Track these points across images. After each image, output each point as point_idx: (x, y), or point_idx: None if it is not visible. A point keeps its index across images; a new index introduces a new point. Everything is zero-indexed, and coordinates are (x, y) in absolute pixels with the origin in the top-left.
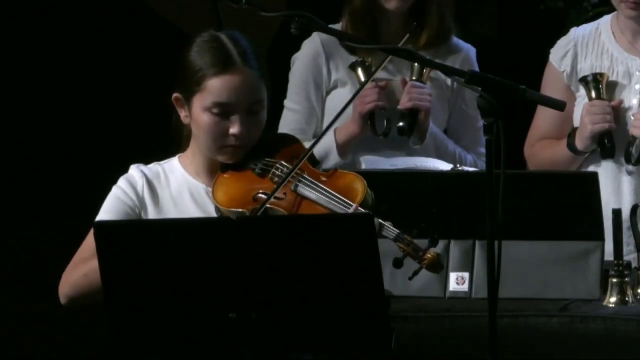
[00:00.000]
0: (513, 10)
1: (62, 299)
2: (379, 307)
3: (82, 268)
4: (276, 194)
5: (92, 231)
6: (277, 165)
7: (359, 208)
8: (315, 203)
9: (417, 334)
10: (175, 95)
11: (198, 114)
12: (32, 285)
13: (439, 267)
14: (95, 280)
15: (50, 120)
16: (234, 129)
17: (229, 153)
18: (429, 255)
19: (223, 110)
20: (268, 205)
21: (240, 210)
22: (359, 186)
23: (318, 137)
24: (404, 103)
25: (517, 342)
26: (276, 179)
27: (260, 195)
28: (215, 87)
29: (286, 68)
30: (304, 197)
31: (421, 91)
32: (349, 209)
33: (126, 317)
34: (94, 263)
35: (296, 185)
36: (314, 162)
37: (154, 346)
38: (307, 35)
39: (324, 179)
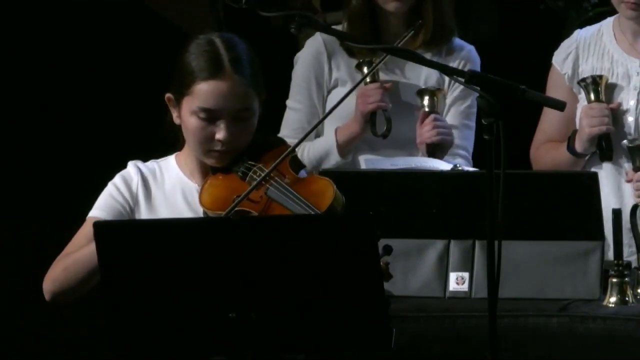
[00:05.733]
0: (513, 10)
1: (46, 295)
2: (379, 307)
3: (63, 262)
4: (252, 198)
5: (81, 229)
6: (255, 169)
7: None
8: (283, 206)
9: (417, 334)
10: (167, 95)
11: (186, 116)
12: (32, 284)
13: (387, 277)
14: (74, 272)
15: (51, 119)
16: (219, 135)
17: (215, 157)
18: None
19: (209, 116)
20: (243, 208)
21: (220, 212)
22: (328, 192)
23: (299, 141)
24: (431, 137)
25: (517, 342)
26: (254, 182)
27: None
28: (203, 91)
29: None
30: (273, 200)
31: (446, 124)
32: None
33: (126, 317)
34: (75, 256)
35: (267, 189)
36: (298, 165)
37: (153, 346)
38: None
39: (295, 183)
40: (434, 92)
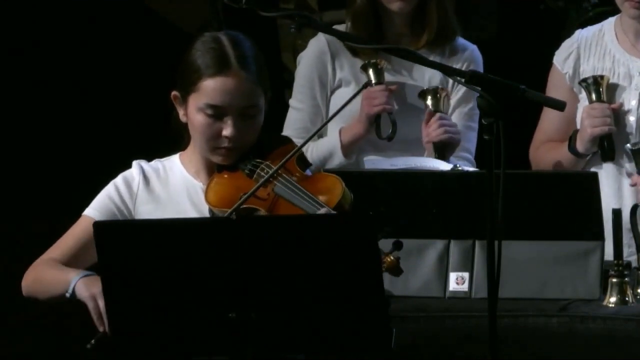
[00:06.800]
0: (513, 10)
1: (22, 290)
2: (379, 307)
3: (39, 271)
4: (260, 195)
5: (73, 227)
6: (263, 166)
7: (330, 211)
8: (291, 203)
9: (417, 334)
10: (174, 93)
11: (193, 113)
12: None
13: (399, 272)
14: (41, 289)
15: (53, 119)
16: (226, 132)
17: (222, 155)
18: (388, 259)
19: (216, 112)
20: (251, 206)
21: (227, 210)
22: (337, 190)
23: (307, 139)
24: (439, 135)
25: (517, 342)
26: (261, 180)
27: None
28: (209, 88)
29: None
30: (280, 197)
31: (452, 123)
32: (320, 211)
33: (126, 317)
34: (48, 274)
35: (275, 186)
36: (305, 163)
37: (154, 346)
38: None
39: (303, 180)
40: (437, 91)
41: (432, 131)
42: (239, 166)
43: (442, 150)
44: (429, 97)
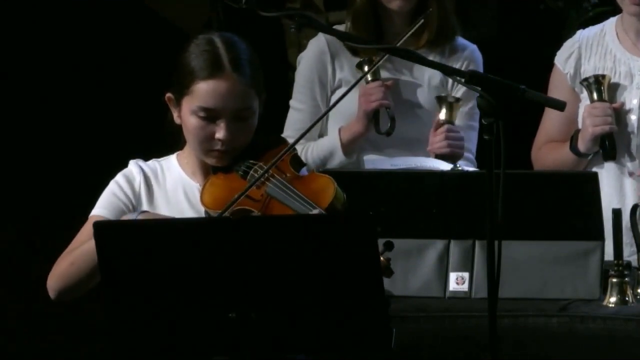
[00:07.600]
0: (513, 10)
1: (51, 293)
2: (379, 307)
3: (68, 258)
4: (253, 196)
5: (84, 228)
6: (256, 167)
7: (322, 211)
8: (283, 204)
9: (417, 334)
10: (168, 95)
11: (186, 116)
12: (34, 284)
13: (389, 273)
14: (81, 266)
15: (52, 119)
16: (219, 134)
17: (215, 157)
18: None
19: (209, 115)
20: (244, 207)
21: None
22: (329, 190)
23: (297, 138)
24: (441, 148)
25: (517, 342)
26: (253, 180)
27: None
28: (202, 91)
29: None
30: (273, 198)
31: (459, 136)
32: (312, 211)
33: (125, 317)
34: (81, 250)
35: (268, 187)
36: (299, 163)
37: (153, 346)
38: None
39: (296, 181)
40: (452, 104)
41: (436, 142)
42: (233, 168)
43: (442, 159)
44: (444, 106)
